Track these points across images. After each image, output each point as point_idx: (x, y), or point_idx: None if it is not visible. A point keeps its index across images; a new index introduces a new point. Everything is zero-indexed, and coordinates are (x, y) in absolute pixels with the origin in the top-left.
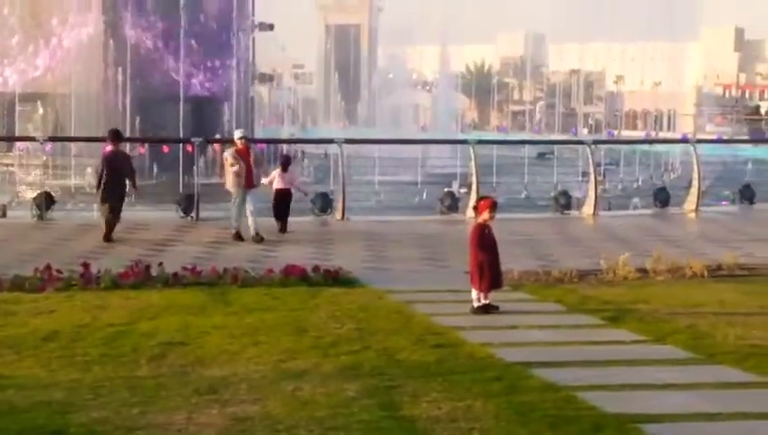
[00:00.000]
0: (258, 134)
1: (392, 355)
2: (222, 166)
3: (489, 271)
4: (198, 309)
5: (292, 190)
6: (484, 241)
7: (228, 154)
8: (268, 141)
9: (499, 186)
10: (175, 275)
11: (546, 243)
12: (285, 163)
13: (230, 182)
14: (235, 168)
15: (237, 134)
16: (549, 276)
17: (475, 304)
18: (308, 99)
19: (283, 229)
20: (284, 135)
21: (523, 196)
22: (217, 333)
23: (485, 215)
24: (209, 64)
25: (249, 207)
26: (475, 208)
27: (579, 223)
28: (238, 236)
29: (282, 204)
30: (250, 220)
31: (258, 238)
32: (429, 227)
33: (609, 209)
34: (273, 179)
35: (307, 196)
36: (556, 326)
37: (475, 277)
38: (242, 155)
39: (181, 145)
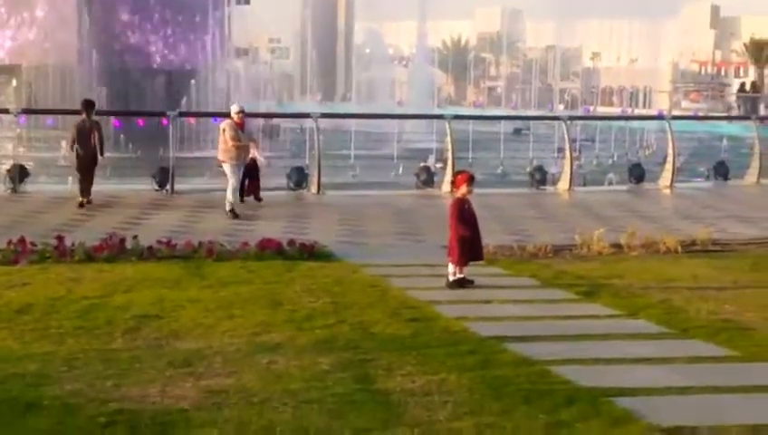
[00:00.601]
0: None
1: (367, 329)
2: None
3: (470, 245)
4: (173, 282)
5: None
6: (465, 215)
7: (227, 126)
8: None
9: (475, 161)
10: (150, 248)
11: (521, 218)
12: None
13: (227, 155)
14: (236, 142)
15: (235, 108)
16: (524, 251)
17: (451, 278)
18: (284, 73)
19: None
20: (261, 109)
21: (498, 171)
22: (192, 306)
23: (463, 189)
24: (185, 38)
25: (234, 182)
26: (453, 183)
27: (554, 198)
28: (234, 214)
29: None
30: (231, 194)
31: (233, 215)
32: (405, 201)
33: (585, 185)
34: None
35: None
36: (530, 301)
37: (453, 251)
38: (238, 128)
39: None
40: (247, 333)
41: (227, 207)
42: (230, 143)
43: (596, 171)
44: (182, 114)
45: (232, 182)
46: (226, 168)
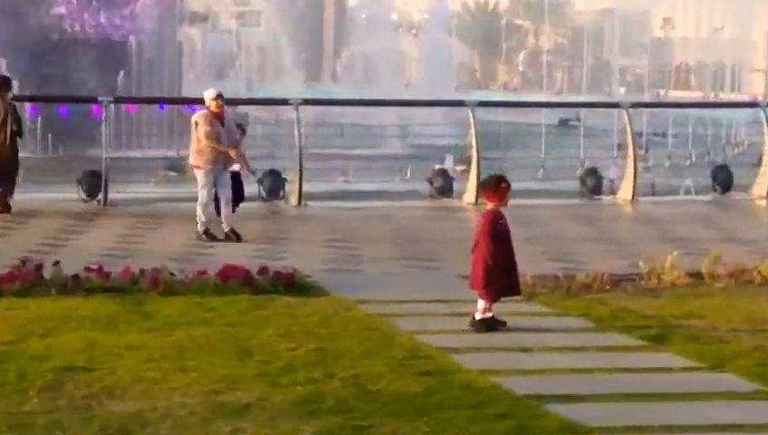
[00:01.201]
0: (187, 92)
1: (363, 385)
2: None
3: (503, 273)
4: (106, 323)
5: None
6: (499, 233)
7: (200, 118)
8: (200, 101)
9: (507, 163)
10: (75, 277)
11: (569, 238)
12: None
13: (201, 158)
14: (213, 140)
15: (210, 93)
16: (572, 283)
17: (478, 316)
18: (255, 46)
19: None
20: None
21: (539, 175)
22: (132, 355)
23: (503, 201)
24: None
25: (225, 193)
26: (487, 190)
27: (612, 212)
28: (210, 235)
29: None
30: (224, 211)
31: (234, 236)
32: (414, 216)
33: (654, 194)
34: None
35: (254, 175)
36: (581, 348)
37: (481, 281)
38: (217, 121)
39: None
40: (205, 391)
41: (199, 228)
42: (203, 142)
43: (668, 176)
44: (118, 100)
45: (203, 195)
46: (199, 175)
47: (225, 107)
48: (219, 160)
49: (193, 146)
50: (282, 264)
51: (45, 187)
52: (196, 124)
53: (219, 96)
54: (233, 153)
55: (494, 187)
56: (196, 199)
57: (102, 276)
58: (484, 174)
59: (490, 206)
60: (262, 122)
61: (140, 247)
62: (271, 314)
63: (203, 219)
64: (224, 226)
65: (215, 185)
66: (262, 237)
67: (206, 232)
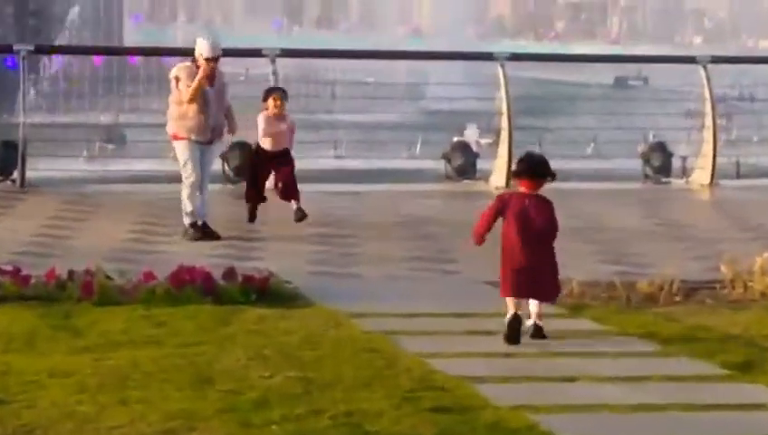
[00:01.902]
0: (129, 40)
1: (360, 425)
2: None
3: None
4: (24, 342)
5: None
6: (524, 219)
7: (182, 72)
8: (145, 52)
9: (549, 134)
10: None
11: (628, 234)
12: (277, 94)
13: (182, 124)
14: (196, 101)
15: (205, 49)
16: (632, 292)
17: (540, 322)
18: None
19: (251, 213)
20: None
21: (589, 151)
22: (57, 383)
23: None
24: None
25: (206, 175)
26: (519, 174)
27: (684, 199)
28: (198, 230)
29: (282, 168)
30: (187, 198)
31: (208, 233)
32: (426, 203)
33: (738, 177)
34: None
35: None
36: (643, 378)
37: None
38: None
39: None
40: (152, 431)
41: (185, 219)
42: (185, 99)
43: (758, 153)
44: (39, 50)
45: (188, 173)
46: (179, 148)
47: (216, 66)
48: (207, 129)
49: (171, 110)
50: (253, 265)
51: None
52: (177, 80)
53: (216, 58)
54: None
55: (533, 176)
56: (139, 179)
57: (19, 281)
58: (519, 150)
59: (521, 188)
60: (228, 79)
61: (69, 243)
62: (239, 332)
63: (189, 208)
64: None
65: (199, 162)
66: (227, 230)
67: (195, 226)
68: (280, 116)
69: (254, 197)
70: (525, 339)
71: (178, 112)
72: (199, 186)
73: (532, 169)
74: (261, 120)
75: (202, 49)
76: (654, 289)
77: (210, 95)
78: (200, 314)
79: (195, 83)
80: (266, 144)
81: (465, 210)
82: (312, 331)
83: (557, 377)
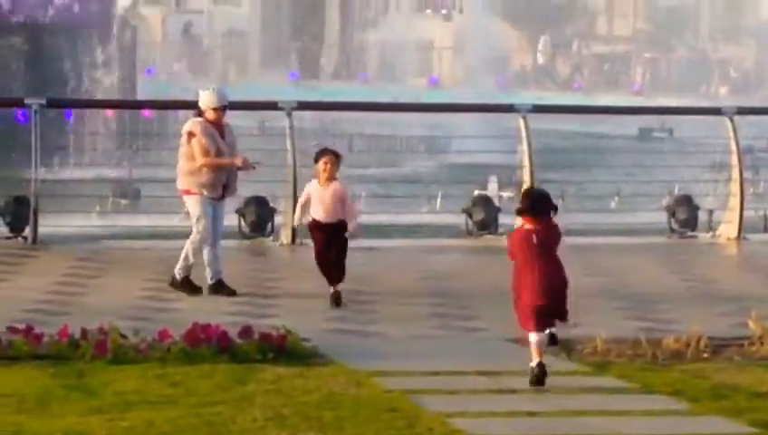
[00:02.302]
0: (143, 93)
1: None
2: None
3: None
4: (37, 402)
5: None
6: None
7: (197, 128)
8: (158, 106)
9: (570, 187)
10: None
11: (654, 289)
12: (327, 158)
13: (193, 181)
14: (211, 158)
15: (212, 100)
16: (658, 349)
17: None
18: (233, 31)
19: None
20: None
21: (613, 205)
22: None
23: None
24: None
25: (218, 231)
26: (522, 212)
27: (711, 253)
28: (188, 285)
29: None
30: (208, 254)
31: (224, 289)
32: (447, 259)
33: (766, 230)
34: (308, 200)
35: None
36: None
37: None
38: (216, 132)
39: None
40: None
41: (177, 271)
42: (201, 161)
43: None
44: (52, 103)
45: (198, 233)
46: (191, 202)
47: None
48: (219, 184)
49: (181, 165)
50: (270, 323)
51: None
52: (190, 135)
53: (222, 106)
54: (238, 161)
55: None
56: (153, 235)
57: (31, 340)
58: None
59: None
60: (242, 133)
61: (82, 301)
62: (256, 391)
63: (189, 262)
64: (208, 275)
65: (209, 217)
66: (243, 287)
67: (186, 281)
68: (329, 182)
69: (326, 273)
70: (548, 397)
71: (189, 168)
72: (212, 242)
73: (534, 206)
74: (307, 187)
75: (209, 100)
76: (681, 346)
77: (224, 147)
78: (216, 372)
79: (223, 162)
80: (317, 214)
81: (486, 266)
82: (331, 390)
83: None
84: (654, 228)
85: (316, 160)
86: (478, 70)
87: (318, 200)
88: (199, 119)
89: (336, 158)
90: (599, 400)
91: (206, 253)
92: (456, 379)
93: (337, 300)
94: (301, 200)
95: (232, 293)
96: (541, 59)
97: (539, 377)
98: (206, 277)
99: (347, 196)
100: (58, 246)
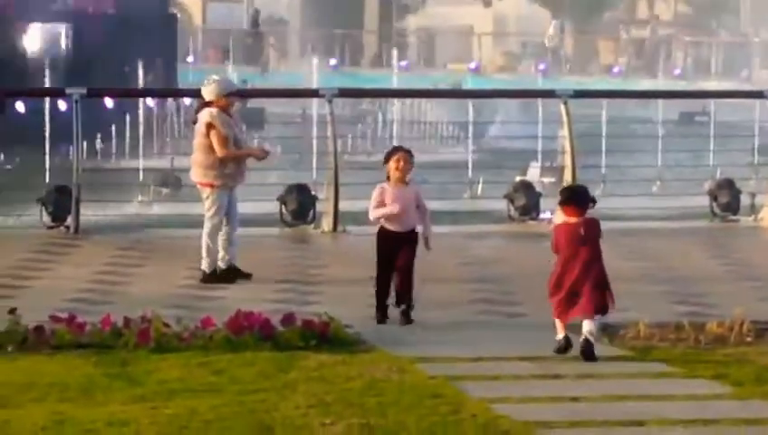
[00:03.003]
0: (185, 80)
1: None
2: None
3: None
4: (80, 391)
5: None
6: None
7: (216, 120)
8: (197, 94)
9: (612, 172)
10: (38, 330)
11: (696, 273)
12: (399, 155)
13: (212, 173)
14: (228, 149)
15: (220, 86)
16: (701, 333)
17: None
18: (272, 18)
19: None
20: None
21: (654, 189)
22: (115, 432)
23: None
24: None
25: (234, 218)
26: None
27: (753, 237)
28: (220, 277)
29: (398, 260)
30: (223, 241)
31: (240, 273)
32: (488, 244)
33: None
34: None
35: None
36: (714, 422)
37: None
38: (232, 121)
39: (49, 100)
40: None
41: (204, 266)
42: (221, 152)
43: None
44: (93, 93)
45: (214, 222)
46: (210, 196)
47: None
48: (240, 174)
49: (200, 158)
50: (312, 310)
51: (1, 207)
52: (210, 127)
53: (231, 91)
54: (260, 153)
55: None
56: (194, 224)
57: (74, 329)
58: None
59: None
60: (283, 120)
61: (124, 289)
62: (299, 379)
63: (213, 256)
64: (220, 262)
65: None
66: (285, 275)
67: (215, 273)
68: (402, 185)
69: (383, 292)
70: (591, 382)
71: (209, 161)
72: (229, 229)
73: (573, 198)
74: (375, 192)
75: (220, 89)
76: (724, 330)
77: (240, 137)
78: (259, 360)
79: (243, 153)
80: (388, 223)
81: (529, 252)
82: (374, 377)
83: (626, 421)
84: (696, 213)
85: (386, 160)
86: (518, 56)
87: (391, 205)
88: (214, 109)
89: (409, 156)
90: (642, 384)
91: (220, 239)
92: (498, 364)
93: (407, 317)
94: (373, 203)
95: (247, 276)
96: (548, 42)
97: (563, 347)
98: (218, 262)
99: (422, 200)
100: (100, 236)
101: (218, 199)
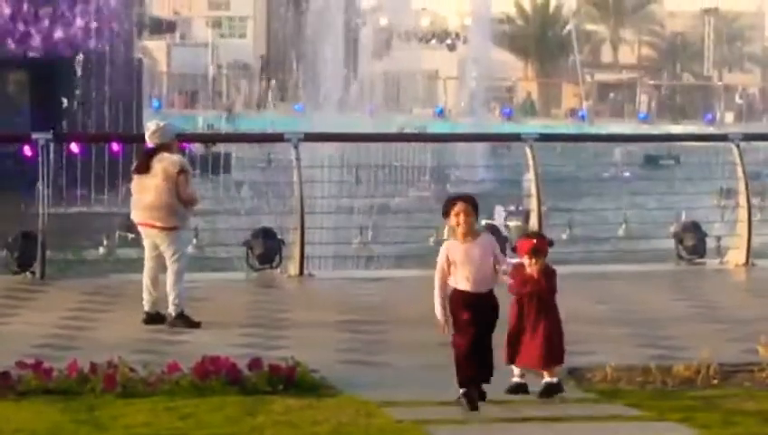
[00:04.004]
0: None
1: None
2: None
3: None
4: None
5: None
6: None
7: (187, 166)
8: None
9: (577, 215)
10: (4, 375)
11: (662, 316)
12: (460, 207)
13: (176, 218)
14: (194, 194)
15: (172, 128)
16: (668, 376)
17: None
18: (238, 63)
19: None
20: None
21: (620, 232)
22: None
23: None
24: (61, 7)
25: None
26: (515, 249)
27: (719, 280)
28: (188, 321)
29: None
30: (177, 285)
31: (185, 320)
32: None
33: None
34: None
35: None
36: None
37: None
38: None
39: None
40: None
41: (171, 309)
42: (196, 196)
43: None
44: (60, 137)
45: (180, 265)
46: (180, 238)
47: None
48: (190, 216)
49: (168, 202)
50: (279, 354)
51: None
52: (183, 174)
53: (176, 134)
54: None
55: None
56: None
57: (41, 374)
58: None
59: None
60: (248, 165)
61: (90, 334)
62: (266, 423)
63: (181, 298)
64: (171, 308)
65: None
66: (252, 319)
67: (182, 316)
68: (469, 238)
69: (473, 370)
70: (559, 426)
71: (176, 204)
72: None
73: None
74: (443, 249)
75: (172, 130)
76: (691, 373)
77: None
78: (226, 405)
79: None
80: (464, 283)
81: (497, 295)
82: (341, 421)
83: None
84: (662, 255)
85: (445, 214)
86: (484, 100)
87: (462, 264)
88: (176, 155)
89: (470, 206)
90: (609, 427)
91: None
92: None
93: (482, 396)
94: (438, 275)
95: (195, 325)
96: None
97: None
98: (168, 307)
99: (498, 251)
100: (66, 281)
101: (184, 241)
